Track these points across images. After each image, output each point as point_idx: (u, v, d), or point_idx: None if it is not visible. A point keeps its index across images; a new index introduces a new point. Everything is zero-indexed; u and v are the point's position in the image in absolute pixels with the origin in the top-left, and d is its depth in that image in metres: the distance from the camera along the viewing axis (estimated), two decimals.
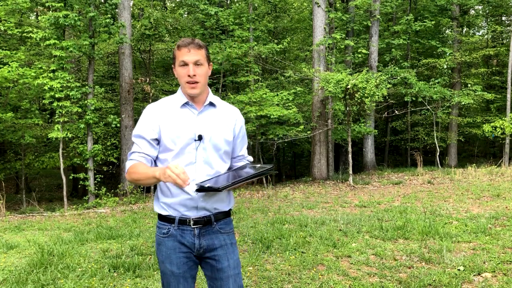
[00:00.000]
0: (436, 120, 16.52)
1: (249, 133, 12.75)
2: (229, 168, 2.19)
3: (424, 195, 9.01)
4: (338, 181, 12.51)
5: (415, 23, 16.44)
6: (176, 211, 2.07)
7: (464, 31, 20.67)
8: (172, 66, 2.12)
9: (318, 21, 13.16)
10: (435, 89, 15.11)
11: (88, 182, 11.37)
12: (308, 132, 13.51)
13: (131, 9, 15.52)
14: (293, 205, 8.66)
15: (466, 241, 5.06)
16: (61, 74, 10.60)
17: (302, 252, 4.84)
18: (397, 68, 15.74)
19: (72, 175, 12.40)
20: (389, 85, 13.95)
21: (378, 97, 11.29)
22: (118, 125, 11.96)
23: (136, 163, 2.04)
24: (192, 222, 2.07)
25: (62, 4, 10.71)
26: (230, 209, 2.22)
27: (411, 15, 16.71)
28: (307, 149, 19.35)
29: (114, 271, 4.39)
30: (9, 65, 10.48)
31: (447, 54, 17.01)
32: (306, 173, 18.36)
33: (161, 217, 2.13)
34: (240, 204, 8.93)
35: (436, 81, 15.54)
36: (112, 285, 4.01)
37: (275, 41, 15.59)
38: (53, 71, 10.76)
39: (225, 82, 16.14)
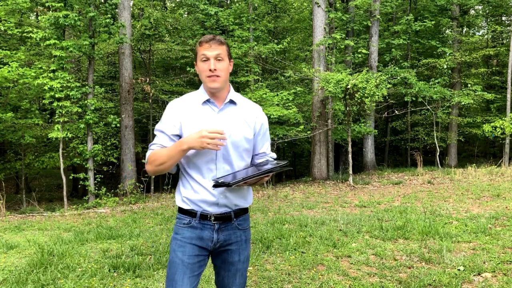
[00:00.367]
0: (436, 120, 16.52)
1: None
2: (251, 164, 2.23)
3: (424, 195, 9.01)
4: (338, 181, 12.51)
5: (415, 23, 16.44)
6: (198, 206, 2.11)
7: (464, 31, 20.68)
8: (194, 63, 2.17)
9: (318, 21, 13.16)
10: (435, 89, 15.11)
11: (88, 182, 11.37)
12: (308, 132, 13.51)
13: (131, 9, 15.53)
14: (293, 205, 8.66)
15: (466, 241, 5.06)
16: (61, 74, 10.60)
17: (302, 252, 4.84)
18: (397, 68, 15.74)
19: (72, 175, 12.40)
20: (389, 85, 13.95)
21: (378, 97, 11.28)
22: (118, 125, 11.96)
23: (155, 150, 2.09)
24: (213, 218, 2.11)
25: (62, 4, 10.71)
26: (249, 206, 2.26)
27: (411, 15, 16.72)
28: (307, 149, 19.36)
29: (114, 271, 4.39)
30: (9, 65, 10.48)
31: (447, 54, 17.01)
32: (306, 173, 18.37)
33: (182, 211, 2.17)
34: None
35: (436, 81, 15.54)
36: (112, 285, 4.01)
37: (275, 41, 15.60)
38: (53, 71, 10.76)
39: None
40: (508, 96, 15.61)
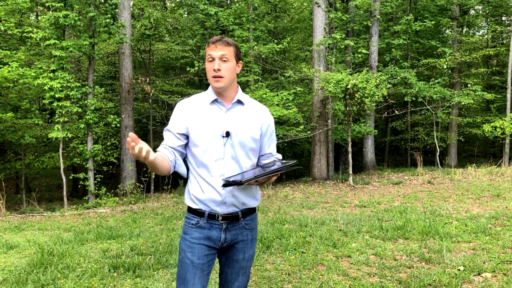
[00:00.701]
0: (436, 120, 16.52)
1: None
2: (258, 164, 2.26)
3: (424, 195, 9.01)
4: (338, 181, 12.51)
5: (415, 23, 16.44)
6: (206, 206, 2.14)
7: (464, 31, 20.67)
8: (205, 63, 2.21)
9: (318, 21, 13.16)
10: (435, 89, 15.11)
11: (88, 182, 11.37)
12: (308, 132, 13.51)
13: (131, 9, 15.52)
14: (293, 205, 8.66)
15: (466, 241, 5.06)
16: (61, 74, 10.59)
17: (302, 252, 4.84)
18: (397, 68, 15.73)
19: (72, 175, 12.39)
20: (389, 85, 13.95)
21: (378, 97, 11.28)
22: (118, 125, 11.96)
23: (156, 154, 2.10)
24: (220, 218, 2.14)
25: (62, 4, 10.71)
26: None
27: (411, 15, 16.71)
28: (307, 149, 19.35)
29: (114, 271, 4.39)
30: (9, 65, 10.47)
31: (447, 54, 17.01)
32: (306, 173, 18.36)
33: (191, 210, 2.20)
34: None
35: (436, 81, 15.54)
36: (112, 285, 4.01)
37: (275, 41, 15.59)
38: (53, 71, 10.76)
39: None
40: (508, 96, 15.61)
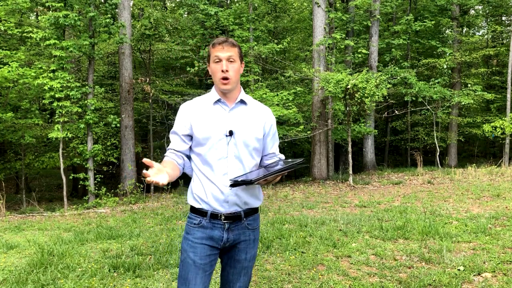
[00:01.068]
0: (436, 120, 16.52)
1: None
2: (261, 165, 2.28)
3: (424, 195, 9.01)
4: (338, 181, 12.51)
5: (415, 23, 16.44)
6: (208, 205, 2.15)
7: (464, 31, 20.67)
8: (207, 64, 2.22)
9: (318, 21, 13.16)
10: (435, 89, 15.11)
11: (88, 182, 11.37)
12: (308, 132, 13.51)
13: (131, 9, 15.52)
14: (293, 205, 8.66)
15: (466, 241, 5.06)
16: (61, 74, 10.60)
17: (302, 252, 4.84)
18: (397, 68, 15.73)
19: (72, 175, 12.39)
20: (389, 85, 13.95)
21: (378, 97, 11.28)
22: (118, 125, 11.96)
23: (165, 160, 2.16)
24: (223, 217, 2.15)
25: (62, 4, 10.71)
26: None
27: (411, 15, 16.71)
28: (307, 149, 19.34)
29: (114, 271, 4.39)
30: (9, 65, 10.47)
31: (447, 54, 17.01)
32: (306, 173, 18.35)
33: (193, 210, 2.21)
34: None
35: (436, 81, 15.54)
36: (112, 285, 4.01)
37: (275, 41, 15.59)
38: (53, 71, 10.76)
39: None
40: (508, 96, 15.61)
